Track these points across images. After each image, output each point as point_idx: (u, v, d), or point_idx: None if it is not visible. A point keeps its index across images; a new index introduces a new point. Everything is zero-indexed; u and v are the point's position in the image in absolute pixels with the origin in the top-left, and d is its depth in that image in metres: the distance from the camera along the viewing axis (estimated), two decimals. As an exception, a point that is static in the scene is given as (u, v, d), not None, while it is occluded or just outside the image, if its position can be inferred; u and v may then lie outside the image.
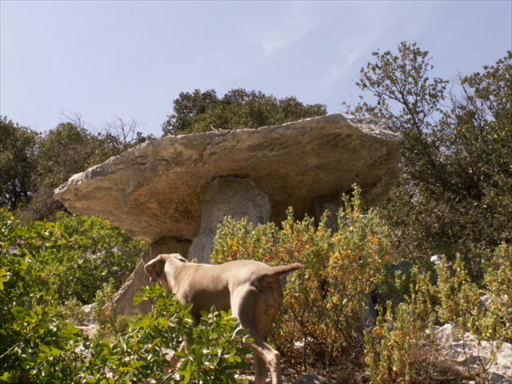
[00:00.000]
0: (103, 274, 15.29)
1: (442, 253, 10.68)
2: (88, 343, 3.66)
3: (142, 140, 30.50)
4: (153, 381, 3.55)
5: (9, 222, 4.38)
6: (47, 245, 4.40)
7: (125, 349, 3.37)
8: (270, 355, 4.35)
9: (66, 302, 11.35)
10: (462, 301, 6.18)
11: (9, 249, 4.31)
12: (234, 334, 3.24)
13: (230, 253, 6.04)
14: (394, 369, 4.64)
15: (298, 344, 5.87)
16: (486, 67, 18.22)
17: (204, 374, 3.09)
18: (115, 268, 15.72)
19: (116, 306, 8.59)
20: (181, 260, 5.82)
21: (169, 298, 3.55)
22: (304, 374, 5.31)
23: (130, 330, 3.52)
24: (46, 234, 4.34)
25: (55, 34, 72.58)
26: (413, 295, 6.09)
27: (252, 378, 5.24)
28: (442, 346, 5.46)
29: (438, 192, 17.16)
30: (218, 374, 3.08)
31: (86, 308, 12.11)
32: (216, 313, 3.35)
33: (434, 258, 11.60)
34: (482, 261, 9.39)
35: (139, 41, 70.66)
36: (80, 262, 15.29)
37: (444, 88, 18.65)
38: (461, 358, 5.32)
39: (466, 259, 9.88)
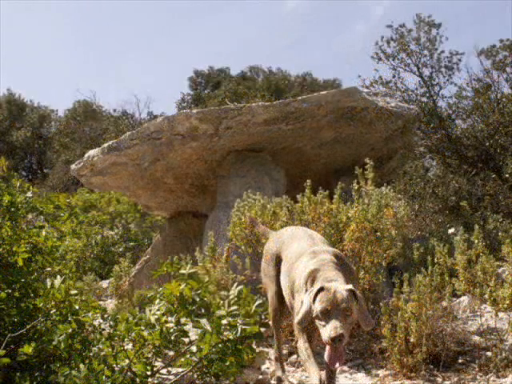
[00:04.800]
0: (120, 249, 15.37)
1: (459, 225, 10.61)
2: (106, 316, 3.70)
3: (155, 117, 30.43)
4: (171, 352, 3.59)
5: (29, 193, 4.40)
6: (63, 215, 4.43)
7: (152, 320, 3.38)
8: None
9: (84, 278, 11.44)
10: (480, 273, 6.15)
11: (31, 220, 4.34)
12: (253, 307, 3.25)
13: (247, 225, 6.07)
14: (412, 340, 4.65)
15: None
16: (501, 40, 17.95)
17: (223, 344, 3.11)
18: (132, 244, 15.81)
19: (133, 280, 8.65)
20: None
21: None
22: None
23: (156, 301, 3.52)
24: (64, 202, 4.37)
25: (71, 11, 72.47)
26: (430, 267, 6.08)
27: (269, 350, 5.28)
28: (459, 318, 5.46)
29: (454, 165, 17.01)
30: (236, 344, 3.10)
31: (104, 283, 12.21)
32: (238, 288, 3.37)
33: (451, 230, 11.55)
34: (500, 233, 9.32)
35: (152, 17, 70.35)
36: (98, 237, 15.38)
37: (460, 60, 18.36)
38: (478, 330, 5.32)
39: (484, 231, 9.81)
